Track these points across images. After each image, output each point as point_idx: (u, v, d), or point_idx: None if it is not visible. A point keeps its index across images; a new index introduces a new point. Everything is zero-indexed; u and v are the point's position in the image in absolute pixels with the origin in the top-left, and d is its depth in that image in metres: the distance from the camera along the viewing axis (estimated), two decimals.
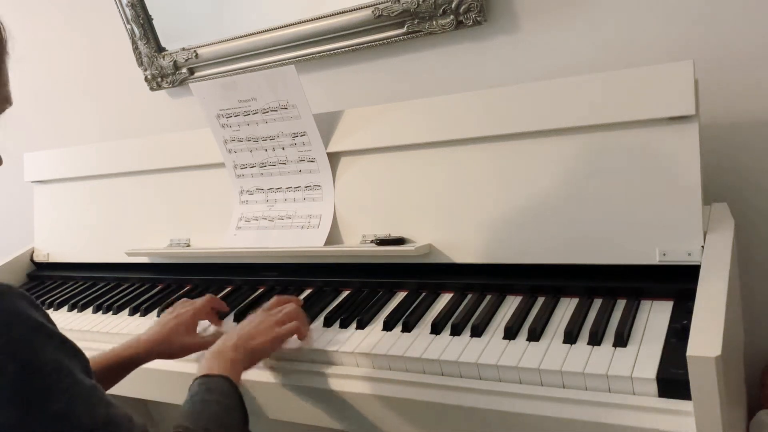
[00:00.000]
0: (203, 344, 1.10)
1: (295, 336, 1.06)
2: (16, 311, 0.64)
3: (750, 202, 1.23)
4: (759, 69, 1.17)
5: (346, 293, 1.22)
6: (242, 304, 1.26)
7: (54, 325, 0.69)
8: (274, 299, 1.12)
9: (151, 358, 1.08)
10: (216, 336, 1.12)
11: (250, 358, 0.98)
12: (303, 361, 1.06)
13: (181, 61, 1.73)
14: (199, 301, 1.17)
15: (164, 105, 1.85)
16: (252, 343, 0.99)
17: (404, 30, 1.40)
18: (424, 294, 1.14)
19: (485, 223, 1.11)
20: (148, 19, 1.72)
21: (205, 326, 1.20)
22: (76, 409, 0.65)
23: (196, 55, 1.70)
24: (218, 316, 1.22)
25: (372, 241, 1.20)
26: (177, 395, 1.17)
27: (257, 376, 1.07)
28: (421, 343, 0.99)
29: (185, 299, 1.19)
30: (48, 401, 0.63)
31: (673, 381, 0.79)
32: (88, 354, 0.72)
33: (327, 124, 1.27)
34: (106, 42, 1.87)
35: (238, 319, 1.21)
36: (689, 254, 0.95)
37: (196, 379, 0.90)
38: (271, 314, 1.06)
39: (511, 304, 1.05)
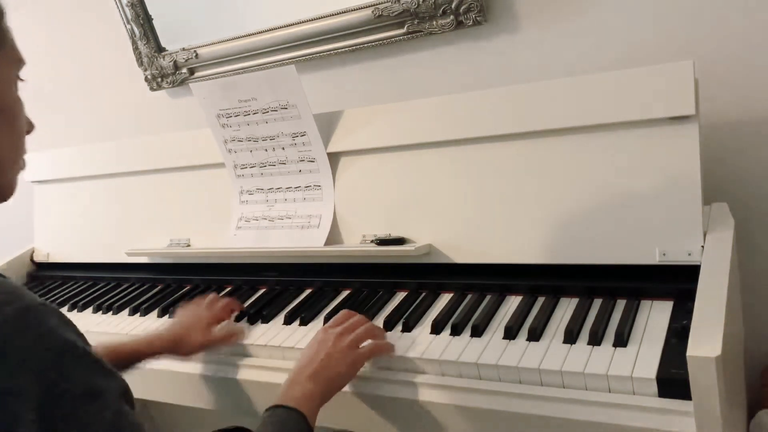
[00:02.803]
0: (214, 341, 1.10)
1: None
2: (46, 330, 0.61)
3: (750, 202, 1.23)
4: (759, 69, 1.17)
5: (346, 293, 1.22)
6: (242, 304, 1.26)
7: (88, 344, 0.66)
8: (340, 314, 1.01)
9: (162, 353, 1.08)
10: (227, 333, 1.12)
11: (329, 388, 0.90)
12: None
13: (181, 61, 1.73)
14: (219, 306, 1.16)
15: (164, 105, 1.85)
16: (330, 372, 0.90)
17: (404, 30, 1.40)
18: (424, 294, 1.14)
19: (485, 223, 1.11)
20: (148, 19, 1.72)
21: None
22: None
23: (196, 55, 1.70)
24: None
25: (372, 241, 1.20)
26: (178, 395, 1.18)
27: (257, 376, 1.07)
28: (421, 343, 0.99)
29: (201, 299, 1.19)
30: (73, 427, 0.60)
31: (673, 381, 0.79)
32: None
33: (327, 124, 1.27)
34: (107, 42, 1.87)
35: (238, 319, 1.21)
36: (689, 254, 0.95)
37: (268, 409, 0.86)
38: (344, 334, 0.95)
39: (511, 304, 1.05)
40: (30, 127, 0.78)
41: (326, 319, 1.12)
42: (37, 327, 0.61)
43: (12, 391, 0.59)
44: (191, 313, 1.14)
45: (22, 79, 0.75)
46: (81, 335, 0.66)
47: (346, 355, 0.92)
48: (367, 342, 0.97)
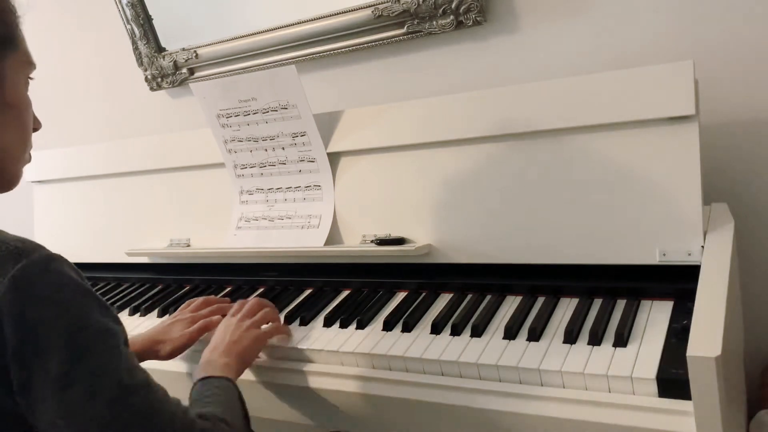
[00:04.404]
0: (192, 336, 1.10)
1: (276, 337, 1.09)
2: (68, 275, 0.70)
3: (750, 202, 1.23)
4: (759, 69, 1.17)
5: (346, 293, 1.22)
6: None
7: (99, 296, 0.74)
8: (237, 303, 1.12)
9: (141, 354, 1.07)
10: (204, 324, 1.12)
11: (241, 362, 0.99)
12: (303, 361, 1.06)
13: (181, 61, 1.73)
14: (203, 311, 1.16)
15: (164, 105, 1.85)
16: (238, 348, 1.00)
17: (404, 30, 1.40)
18: (424, 294, 1.14)
19: (485, 223, 1.11)
20: (148, 19, 1.73)
21: None
22: (117, 368, 0.70)
23: (196, 55, 1.70)
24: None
25: (372, 241, 1.20)
26: (178, 395, 1.18)
27: (256, 376, 1.07)
28: (421, 343, 0.99)
29: (185, 306, 1.19)
30: (92, 355, 0.69)
31: (673, 381, 0.79)
32: None
33: (327, 124, 1.27)
34: (106, 42, 1.87)
35: None
36: (689, 254, 0.95)
37: (195, 384, 0.91)
38: (243, 320, 1.06)
39: (511, 304, 1.05)
40: (37, 125, 0.84)
41: (326, 319, 1.12)
42: (59, 272, 0.69)
43: (39, 321, 0.67)
44: (170, 319, 1.15)
45: (32, 78, 0.82)
46: (91, 287, 0.74)
47: (248, 334, 1.03)
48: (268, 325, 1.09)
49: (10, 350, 0.66)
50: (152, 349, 1.08)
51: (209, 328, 1.11)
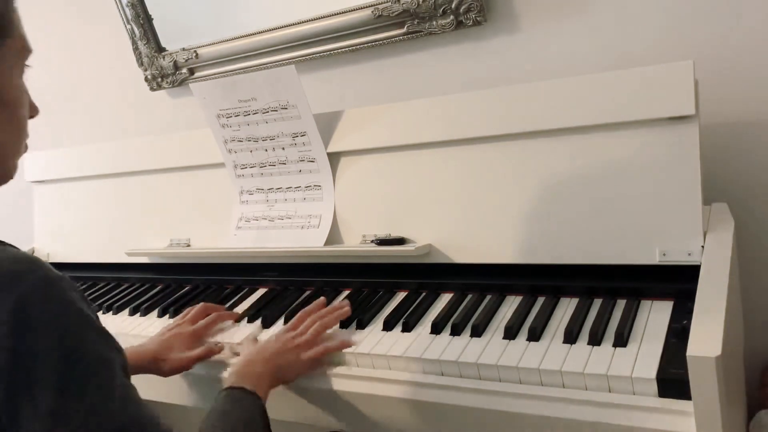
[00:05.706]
0: (195, 358, 1.09)
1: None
2: (68, 300, 0.66)
3: (750, 202, 1.23)
4: (759, 69, 1.17)
5: (346, 293, 1.22)
6: (242, 304, 1.26)
7: (99, 320, 0.71)
8: (296, 319, 1.08)
9: (139, 371, 1.05)
10: (207, 350, 1.10)
11: (277, 376, 0.96)
12: None
13: (181, 61, 1.73)
14: (202, 323, 1.16)
15: (164, 105, 1.85)
16: (280, 361, 0.97)
17: (404, 30, 1.40)
18: (424, 294, 1.14)
19: (485, 223, 1.11)
20: (148, 19, 1.72)
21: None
22: (110, 404, 0.66)
23: (196, 55, 1.70)
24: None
25: (372, 241, 1.20)
26: (175, 396, 1.18)
27: None
28: (421, 343, 0.99)
29: (185, 318, 1.18)
30: (85, 392, 0.65)
31: (673, 381, 0.79)
32: None
33: (327, 124, 1.27)
34: (106, 42, 1.87)
35: (238, 321, 1.21)
36: (689, 254, 0.95)
37: (223, 390, 0.89)
38: (299, 334, 1.03)
39: (511, 304, 1.05)
40: (34, 112, 0.79)
41: None
42: (59, 296, 0.65)
43: (33, 351, 0.63)
44: (172, 330, 1.13)
45: (28, 65, 0.76)
46: (93, 311, 0.71)
47: (294, 351, 0.99)
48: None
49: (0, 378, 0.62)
50: (154, 366, 1.08)
51: (209, 355, 1.10)
